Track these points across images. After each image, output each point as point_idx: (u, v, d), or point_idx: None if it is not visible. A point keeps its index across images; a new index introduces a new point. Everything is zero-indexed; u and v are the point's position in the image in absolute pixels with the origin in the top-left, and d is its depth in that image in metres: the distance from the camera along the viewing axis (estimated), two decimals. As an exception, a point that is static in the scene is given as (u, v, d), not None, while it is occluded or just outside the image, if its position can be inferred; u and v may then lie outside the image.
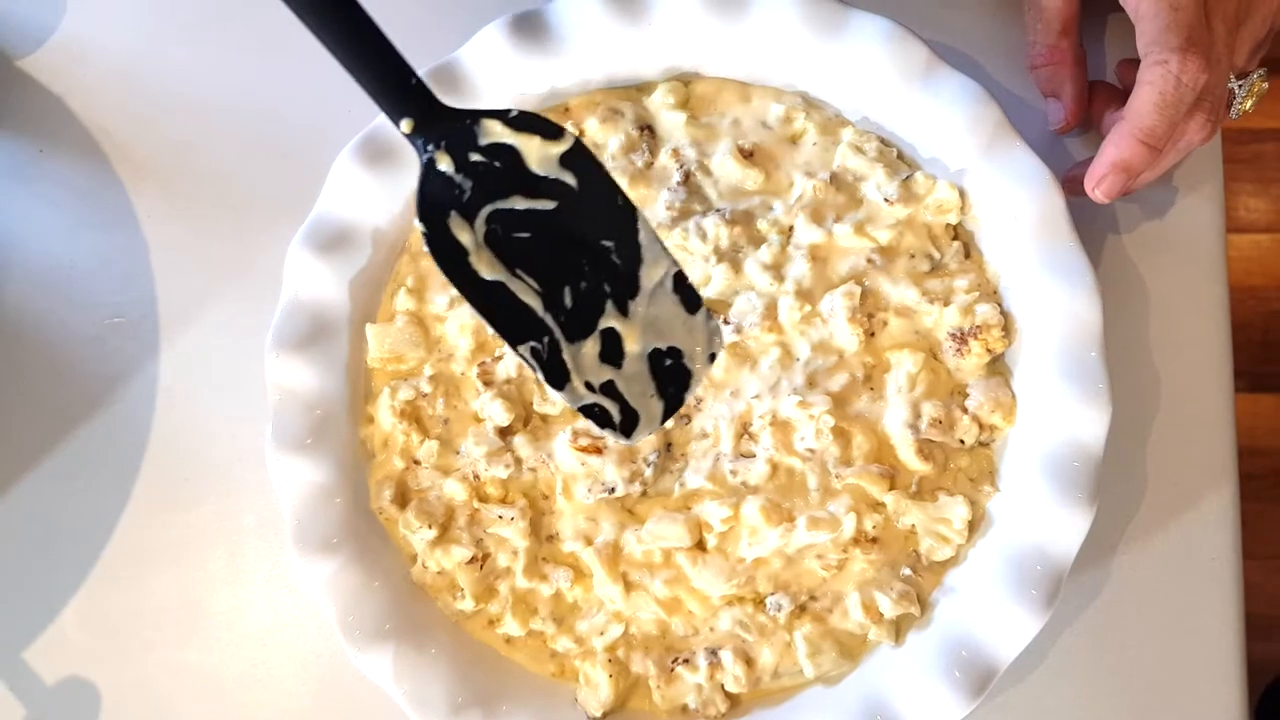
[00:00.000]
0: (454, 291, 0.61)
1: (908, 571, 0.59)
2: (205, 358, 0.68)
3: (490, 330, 0.45)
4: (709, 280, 0.61)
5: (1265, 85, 0.61)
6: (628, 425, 0.48)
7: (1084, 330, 0.57)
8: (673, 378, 0.48)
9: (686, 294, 0.47)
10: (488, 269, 0.44)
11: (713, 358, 0.49)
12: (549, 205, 0.45)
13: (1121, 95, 0.63)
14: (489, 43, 0.61)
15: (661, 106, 0.63)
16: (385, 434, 0.61)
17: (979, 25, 0.67)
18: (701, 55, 0.63)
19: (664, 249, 0.47)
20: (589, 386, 0.47)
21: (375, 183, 0.61)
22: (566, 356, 0.46)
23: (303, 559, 0.58)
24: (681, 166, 0.62)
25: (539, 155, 0.45)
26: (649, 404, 0.48)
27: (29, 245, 0.70)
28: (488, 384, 0.61)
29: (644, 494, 0.60)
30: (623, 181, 0.62)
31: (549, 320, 0.45)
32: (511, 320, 0.45)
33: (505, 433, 0.61)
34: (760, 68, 0.63)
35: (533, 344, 0.45)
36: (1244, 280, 1.58)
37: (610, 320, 0.46)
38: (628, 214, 0.46)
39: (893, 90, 0.61)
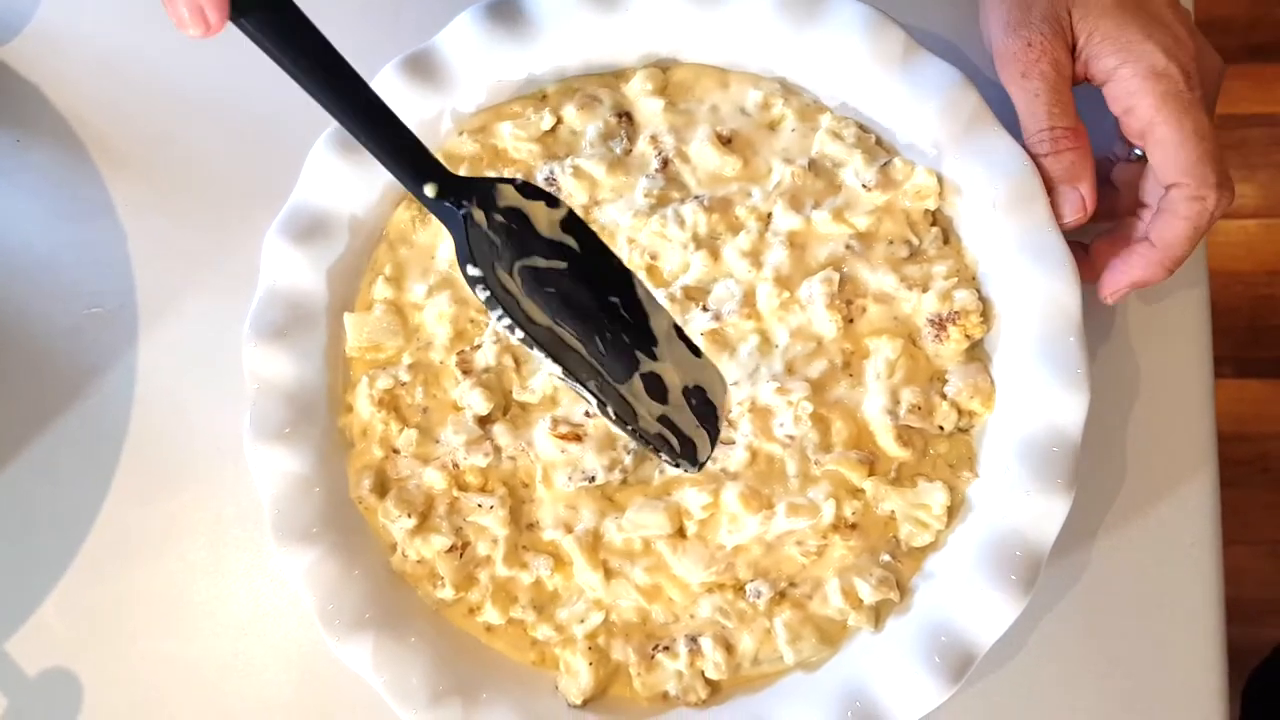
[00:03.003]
0: (431, 279, 0.62)
1: (887, 558, 0.59)
2: (184, 347, 0.68)
3: (558, 373, 0.47)
4: (687, 268, 0.61)
5: None
6: (689, 454, 0.51)
7: (1063, 315, 0.57)
8: (701, 413, 0.51)
9: (687, 341, 0.51)
10: (538, 315, 0.47)
11: (725, 390, 0.53)
12: (561, 265, 0.48)
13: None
14: (465, 29, 0.61)
15: (639, 93, 0.63)
16: (364, 423, 0.61)
17: (957, 10, 0.67)
18: (679, 41, 0.63)
19: (658, 303, 0.50)
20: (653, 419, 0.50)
21: (351, 171, 0.61)
22: (625, 393, 0.49)
23: (282, 548, 0.58)
24: (660, 153, 0.62)
25: (546, 220, 0.48)
26: (698, 434, 0.51)
27: (6, 235, 0.70)
28: (466, 372, 0.61)
29: (624, 481, 0.60)
30: (600, 168, 0.62)
31: (595, 364, 0.48)
32: (571, 362, 0.47)
33: (484, 421, 0.60)
34: (738, 54, 0.63)
35: (595, 382, 0.48)
36: (1230, 265, 1.58)
37: (646, 365, 0.50)
38: (624, 274, 0.49)
39: (871, 76, 0.60)
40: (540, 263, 0.47)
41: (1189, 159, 0.55)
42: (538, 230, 0.47)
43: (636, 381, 0.49)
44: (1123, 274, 0.58)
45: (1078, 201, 0.58)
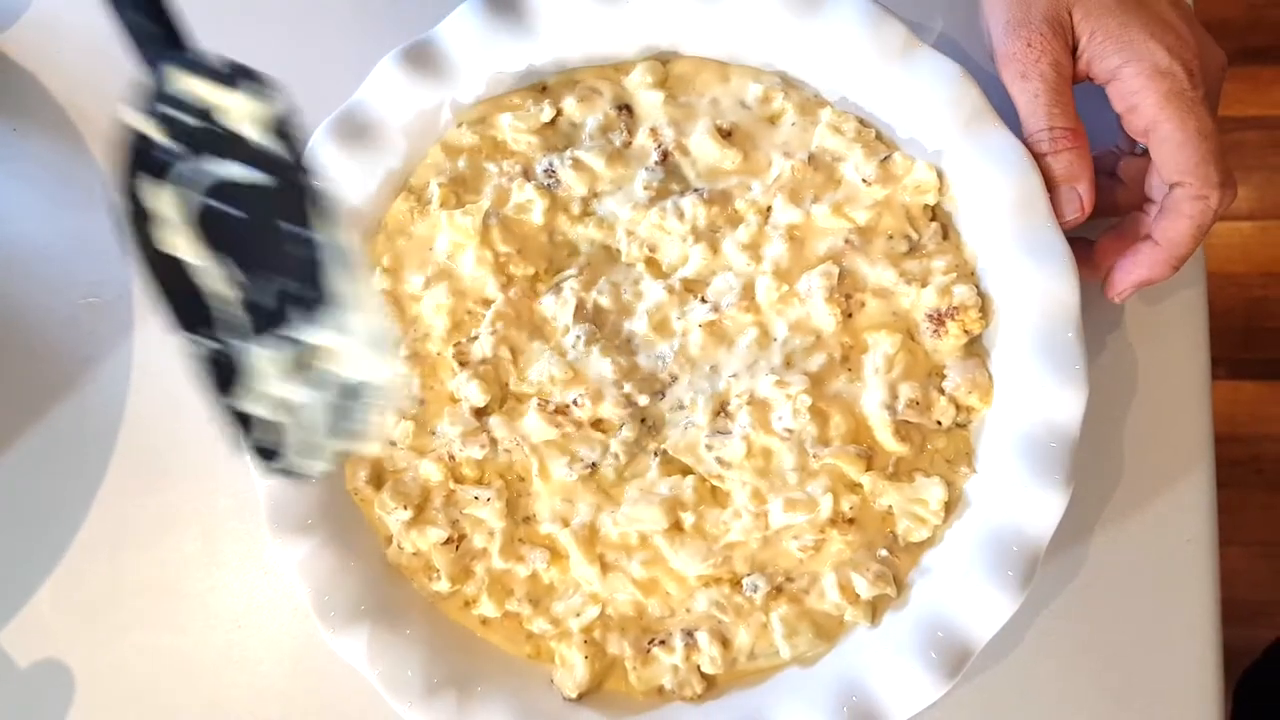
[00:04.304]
0: (429, 271, 0.61)
1: (884, 553, 0.59)
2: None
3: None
4: (686, 260, 0.61)
5: None
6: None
7: (1061, 311, 0.57)
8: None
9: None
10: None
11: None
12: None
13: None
14: (466, 20, 0.61)
15: (640, 86, 0.63)
16: (360, 414, 0.61)
17: (958, 5, 0.67)
18: (679, 34, 0.63)
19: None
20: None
21: (349, 162, 0.60)
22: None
23: (277, 540, 0.58)
24: (659, 146, 0.62)
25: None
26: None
27: (2, 225, 0.69)
28: (463, 364, 0.60)
29: (620, 476, 0.60)
30: (600, 161, 0.62)
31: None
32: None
33: (481, 413, 0.60)
34: (739, 47, 0.63)
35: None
36: (1225, 267, 1.59)
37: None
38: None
39: (872, 70, 0.60)
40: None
41: (1192, 159, 0.55)
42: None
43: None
44: (1129, 273, 0.59)
45: (1076, 201, 0.58)
